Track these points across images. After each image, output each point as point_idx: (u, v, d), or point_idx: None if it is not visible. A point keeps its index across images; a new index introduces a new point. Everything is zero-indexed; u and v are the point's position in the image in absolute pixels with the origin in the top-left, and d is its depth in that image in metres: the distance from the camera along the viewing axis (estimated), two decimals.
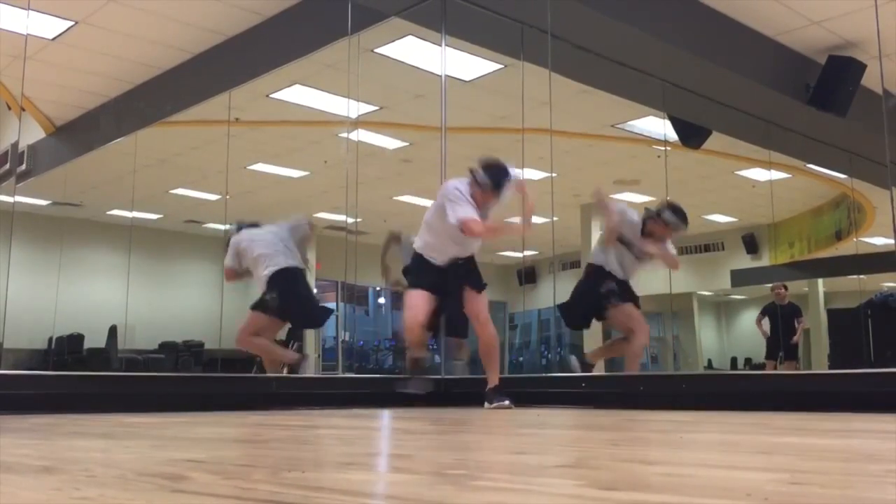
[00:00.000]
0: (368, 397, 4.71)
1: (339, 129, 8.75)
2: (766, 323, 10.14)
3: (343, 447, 2.10)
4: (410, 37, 6.88)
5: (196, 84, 7.83)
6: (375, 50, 7.11)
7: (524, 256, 14.95)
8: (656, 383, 4.78)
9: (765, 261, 13.68)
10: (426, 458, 1.70)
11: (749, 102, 7.85)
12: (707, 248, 14.59)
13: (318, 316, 6.45)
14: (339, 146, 9.02)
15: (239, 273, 5.87)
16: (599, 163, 10.47)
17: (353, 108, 7.65)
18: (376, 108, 8.62)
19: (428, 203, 4.89)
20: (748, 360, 15.68)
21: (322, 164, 10.41)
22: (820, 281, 14.13)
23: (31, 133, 9.36)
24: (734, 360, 16.52)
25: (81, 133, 9.28)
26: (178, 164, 10.83)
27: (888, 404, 3.22)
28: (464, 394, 4.61)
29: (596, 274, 5.41)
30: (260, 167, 10.49)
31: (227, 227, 9.92)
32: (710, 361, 16.36)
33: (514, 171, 4.48)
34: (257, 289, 5.79)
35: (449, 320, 4.73)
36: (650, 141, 9.73)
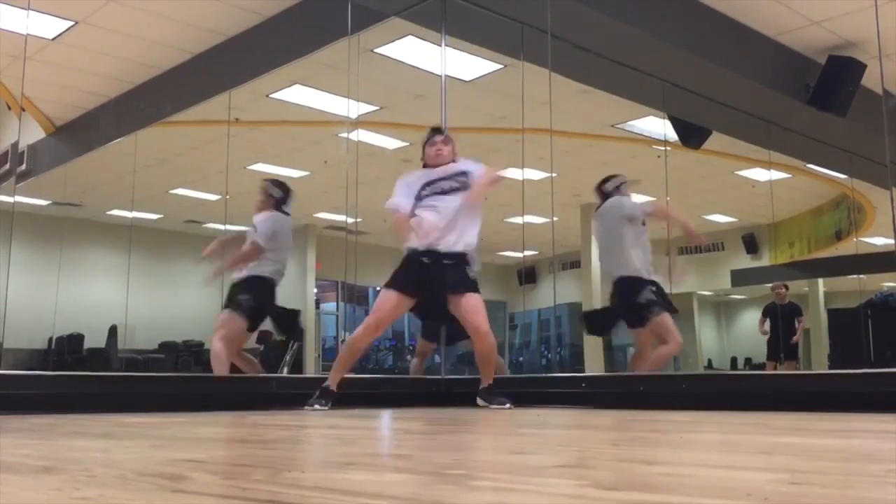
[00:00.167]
0: (369, 397, 4.71)
1: (339, 129, 8.75)
2: (766, 323, 10.15)
3: (343, 447, 2.10)
4: (410, 37, 6.89)
5: (196, 84, 7.83)
6: (375, 50, 7.12)
7: (524, 256, 14.96)
8: (656, 383, 4.78)
9: (765, 261, 13.69)
10: (426, 458, 1.70)
11: (749, 102, 7.85)
12: (707, 248, 14.60)
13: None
14: (339, 146, 9.02)
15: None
16: (599, 163, 10.45)
17: (353, 108, 7.65)
18: (376, 108, 8.63)
19: None
20: (748, 360, 15.69)
21: (322, 164, 10.41)
22: (820, 281, 14.14)
23: (31, 133, 9.36)
24: (734, 360, 16.53)
25: (81, 133, 9.28)
26: (178, 164, 10.83)
27: (888, 404, 3.22)
28: (464, 394, 4.60)
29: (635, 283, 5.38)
30: (260, 167, 10.49)
31: (227, 227, 9.92)
32: (710, 361, 16.37)
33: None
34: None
35: (449, 331, 4.70)
36: (650, 141, 9.73)
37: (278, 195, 5.68)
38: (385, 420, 3.50)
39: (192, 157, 10.49)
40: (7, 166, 9.24)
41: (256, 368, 5.64)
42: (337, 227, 9.79)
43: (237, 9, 6.76)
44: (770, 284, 10.82)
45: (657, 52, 6.64)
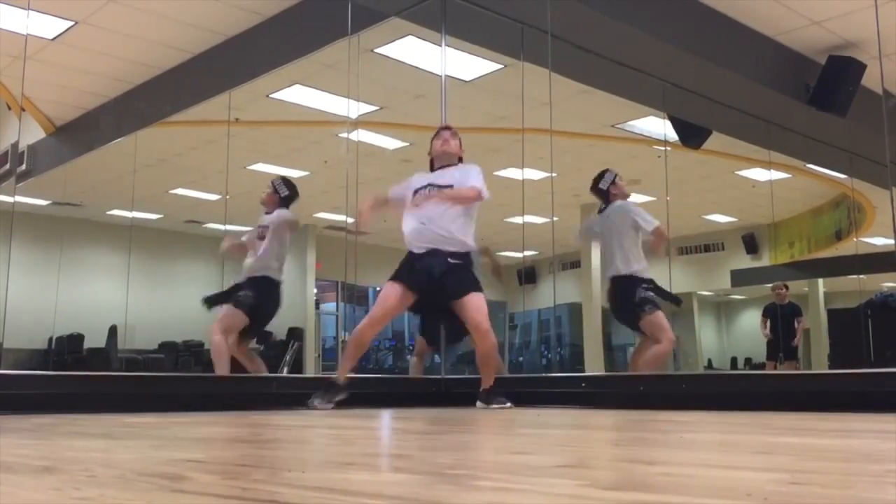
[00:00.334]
0: (368, 397, 4.71)
1: (339, 129, 8.75)
2: (767, 325, 10.15)
3: (343, 447, 2.10)
4: (410, 37, 6.89)
5: (196, 84, 7.83)
6: (375, 50, 7.12)
7: (524, 256, 14.95)
8: (656, 383, 4.78)
9: (765, 261, 13.69)
10: (426, 458, 1.70)
11: (749, 102, 7.84)
12: (707, 248, 14.60)
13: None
14: (339, 146, 9.02)
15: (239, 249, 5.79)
16: (599, 163, 10.39)
17: (353, 108, 7.65)
18: (376, 108, 8.62)
19: None
20: (748, 360, 15.69)
21: (322, 164, 10.41)
22: (820, 281, 14.14)
23: (31, 133, 9.36)
24: (734, 360, 16.54)
25: (81, 133, 9.28)
26: (178, 164, 10.83)
27: (888, 404, 3.22)
28: (464, 394, 4.60)
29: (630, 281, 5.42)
30: (260, 167, 10.49)
31: (227, 227, 9.92)
32: (710, 361, 16.37)
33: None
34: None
35: (449, 330, 4.70)
36: (650, 141, 9.73)
37: (285, 194, 5.78)
38: (385, 420, 3.50)
39: (192, 157, 10.49)
40: (7, 166, 9.24)
41: (259, 368, 5.66)
42: (337, 227, 9.79)
43: (237, 9, 6.76)
44: (770, 285, 10.82)
45: (657, 52, 6.64)
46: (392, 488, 1.21)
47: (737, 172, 11.23)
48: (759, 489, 1.12)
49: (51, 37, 7.24)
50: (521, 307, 17.96)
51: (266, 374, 5.92)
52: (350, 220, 8.03)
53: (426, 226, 4.22)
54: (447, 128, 4.58)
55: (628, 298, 5.34)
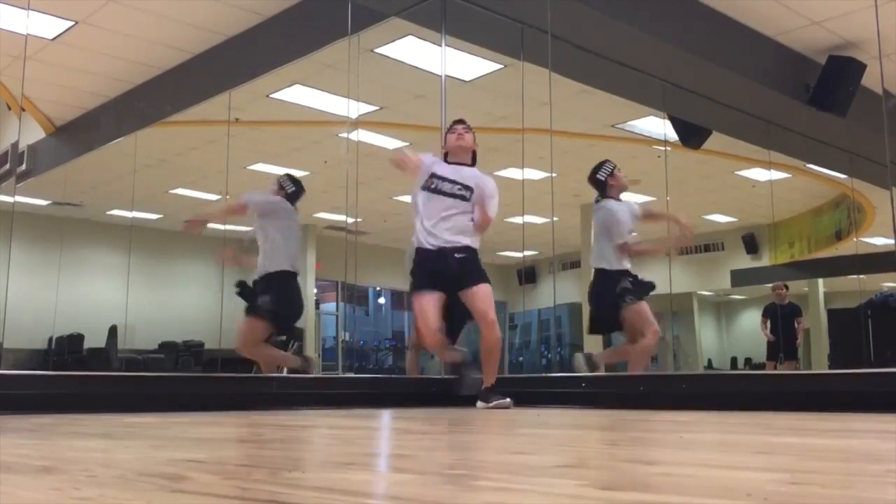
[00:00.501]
0: (368, 397, 4.71)
1: (339, 129, 8.75)
2: (768, 325, 10.15)
3: (343, 447, 2.10)
4: (410, 37, 6.89)
5: (196, 84, 7.83)
6: (375, 50, 7.12)
7: (524, 256, 14.96)
8: (656, 383, 4.78)
9: (765, 261, 13.70)
10: (426, 458, 1.70)
11: (749, 102, 7.85)
12: (707, 248, 14.61)
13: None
14: (339, 146, 9.02)
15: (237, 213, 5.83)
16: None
17: (353, 108, 7.65)
18: (376, 108, 8.63)
19: None
20: (748, 360, 15.70)
21: (322, 164, 10.41)
22: (820, 281, 14.15)
23: (31, 133, 9.36)
24: (734, 360, 16.54)
25: (81, 133, 9.28)
26: (178, 164, 10.83)
27: (888, 404, 3.22)
28: (464, 394, 4.59)
29: (611, 275, 5.42)
30: (260, 167, 10.50)
31: (226, 227, 9.91)
32: (710, 361, 16.38)
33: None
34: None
35: (450, 322, 4.70)
36: (650, 141, 9.73)
37: (291, 190, 5.78)
38: (385, 420, 3.50)
39: (192, 157, 10.49)
40: (7, 166, 9.24)
41: (272, 365, 5.65)
42: (337, 227, 9.79)
43: (237, 9, 6.76)
44: (770, 285, 10.82)
45: (657, 52, 6.64)
46: (392, 488, 1.21)
47: (737, 172, 11.23)
48: (759, 489, 1.12)
49: (51, 37, 7.24)
50: (521, 307, 17.97)
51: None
52: (350, 220, 8.03)
53: (440, 225, 4.30)
54: (461, 121, 4.60)
55: (610, 291, 5.34)
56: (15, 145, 9.32)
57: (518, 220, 8.42)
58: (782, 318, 9.95)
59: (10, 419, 2.97)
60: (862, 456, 1.78)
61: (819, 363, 12.22)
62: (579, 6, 6.00)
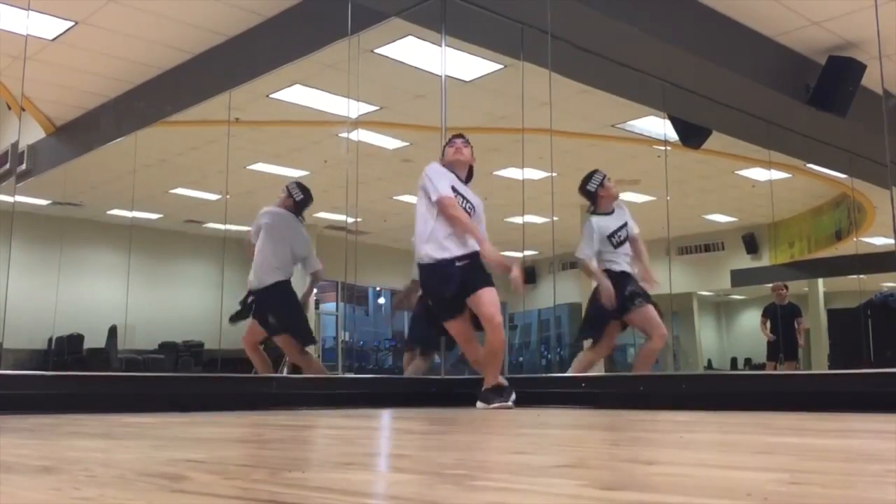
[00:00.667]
0: (368, 397, 4.71)
1: (339, 129, 8.75)
2: (768, 325, 10.15)
3: (343, 447, 2.10)
4: (410, 37, 6.89)
5: (196, 84, 7.83)
6: (375, 50, 7.12)
7: (524, 256, 14.94)
8: (656, 383, 4.78)
9: (765, 261, 13.69)
10: (426, 458, 1.70)
11: (749, 102, 7.85)
12: (707, 248, 14.60)
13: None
14: (339, 146, 9.02)
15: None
16: (599, 163, 10.43)
17: (353, 108, 7.65)
18: (376, 108, 8.62)
19: None
20: (748, 360, 15.69)
21: (322, 164, 10.42)
22: (820, 281, 14.14)
23: (31, 133, 9.36)
24: (734, 360, 16.53)
25: (81, 133, 9.28)
26: (178, 164, 10.83)
27: (888, 404, 3.22)
28: (464, 394, 4.60)
29: (616, 278, 5.43)
30: (260, 167, 10.50)
31: (227, 227, 9.92)
32: (710, 361, 16.37)
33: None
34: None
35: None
36: (650, 141, 9.73)
37: (300, 198, 5.83)
38: (385, 420, 3.50)
39: (192, 157, 10.50)
40: (7, 166, 9.24)
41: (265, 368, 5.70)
42: (337, 227, 9.78)
43: (237, 9, 6.76)
44: (770, 285, 10.82)
45: (657, 52, 6.64)
46: (392, 488, 1.21)
47: (737, 172, 11.23)
48: (759, 489, 1.12)
49: (51, 37, 7.24)
50: (521, 307, 17.95)
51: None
52: (350, 220, 8.02)
53: (454, 238, 4.35)
54: (461, 136, 4.63)
55: (617, 293, 5.35)
56: (15, 145, 9.32)
57: (518, 220, 8.42)
58: (782, 319, 9.95)
59: (10, 419, 2.97)
60: (862, 456, 1.78)
61: (819, 363, 12.21)
62: (579, 6, 6.00)
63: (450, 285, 4.29)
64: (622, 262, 5.47)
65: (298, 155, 10.39)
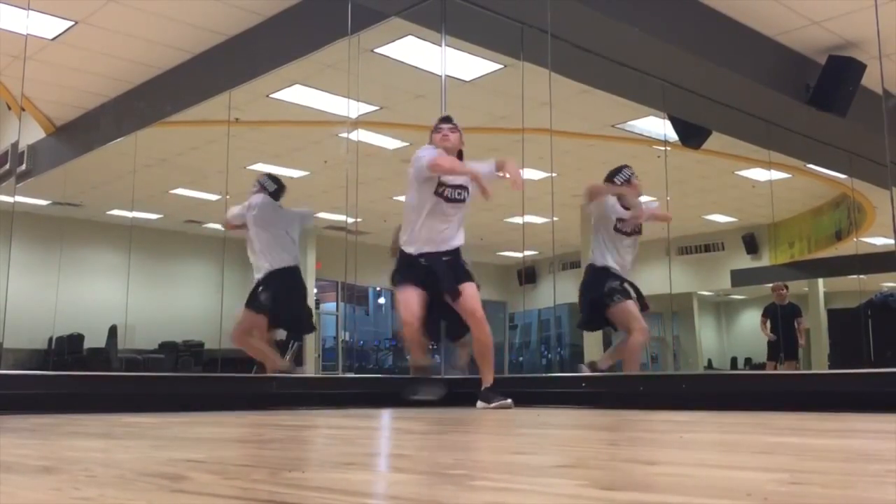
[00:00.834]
0: (368, 397, 4.71)
1: (339, 129, 8.75)
2: (768, 325, 10.15)
3: (343, 447, 2.10)
4: (410, 37, 6.89)
5: (196, 84, 7.83)
6: (375, 50, 7.11)
7: (524, 256, 14.96)
8: (656, 383, 4.78)
9: (765, 261, 13.69)
10: (426, 458, 1.70)
11: (749, 102, 7.84)
12: (707, 248, 14.61)
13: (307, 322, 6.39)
14: (339, 146, 9.02)
15: (237, 227, 5.91)
16: (599, 163, 10.44)
17: (353, 108, 7.65)
18: (376, 108, 8.62)
19: None
20: (748, 360, 15.69)
21: (322, 164, 10.42)
22: (820, 281, 14.14)
23: (31, 133, 9.36)
24: (734, 360, 16.54)
25: (81, 133, 9.28)
26: (178, 164, 10.83)
27: (888, 404, 3.22)
28: (464, 394, 4.60)
29: (598, 273, 5.45)
30: (260, 167, 10.49)
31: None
32: (710, 361, 16.38)
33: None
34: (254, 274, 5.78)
35: (449, 323, 4.70)
36: (650, 141, 9.73)
37: (272, 189, 5.86)
38: (385, 420, 3.50)
39: (192, 157, 10.49)
40: (7, 166, 9.24)
41: (270, 364, 5.70)
42: (337, 227, 9.78)
43: (237, 9, 6.76)
44: (770, 285, 10.82)
45: (657, 52, 6.63)
46: (392, 488, 1.21)
47: (737, 172, 11.22)
48: (758, 489, 1.12)
49: (51, 37, 7.24)
50: (521, 307, 17.97)
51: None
52: (350, 220, 8.02)
53: (442, 232, 4.34)
54: (447, 120, 4.53)
55: (597, 288, 5.36)
56: (15, 145, 9.32)
57: (518, 220, 8.43)
58: (782, 319, 9.95)
59: (10, 419, 2.97)
60: (862, 456, 1.78)
61: (819, 363, 12.21)
62: (579, 6, 6.00)
63: (402, 268, 4.33)
64: (623, 252, 5.47)
65: (298, 155, 10.39)
